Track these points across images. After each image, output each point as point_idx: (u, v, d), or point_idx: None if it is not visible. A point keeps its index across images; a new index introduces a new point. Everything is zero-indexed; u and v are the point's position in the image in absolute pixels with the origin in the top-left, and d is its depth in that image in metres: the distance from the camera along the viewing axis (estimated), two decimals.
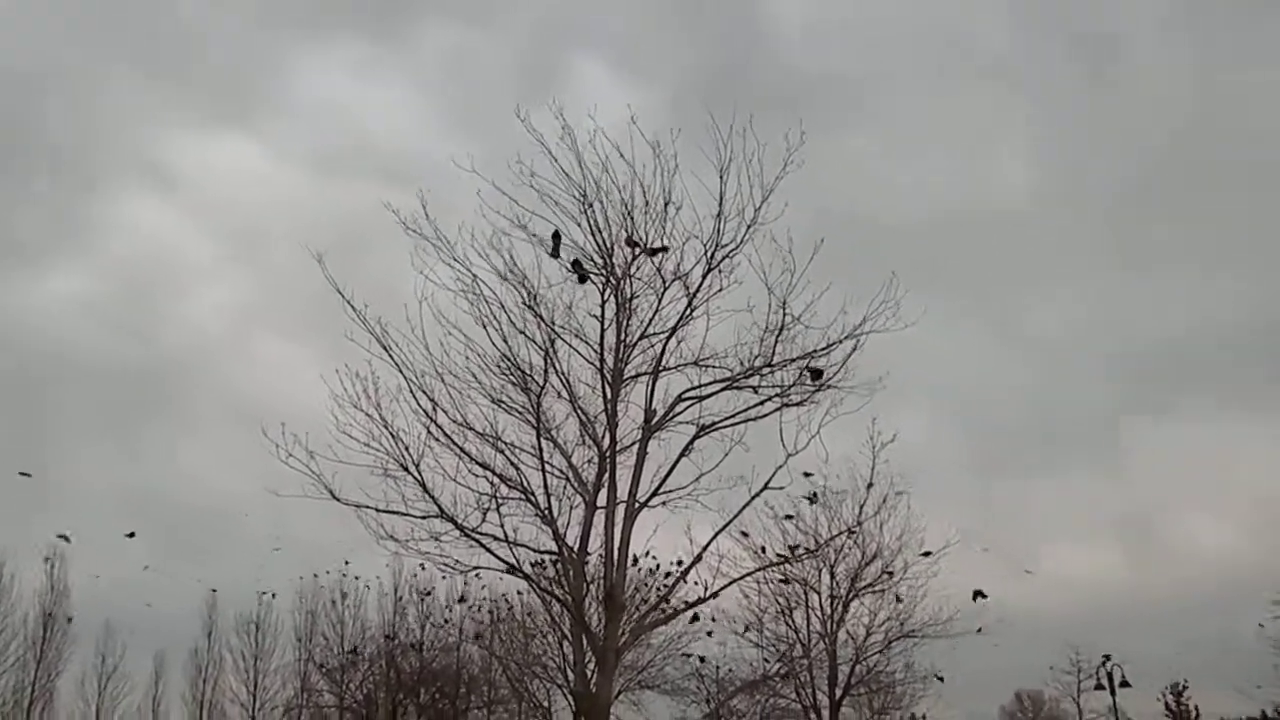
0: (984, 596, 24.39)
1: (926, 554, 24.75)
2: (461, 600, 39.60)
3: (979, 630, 26.05)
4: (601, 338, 13.80)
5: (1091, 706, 46.82)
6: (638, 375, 14.11)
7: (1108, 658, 44.98)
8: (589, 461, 14.01)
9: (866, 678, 28.27)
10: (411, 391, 13.15)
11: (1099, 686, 44.86)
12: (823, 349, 13.56)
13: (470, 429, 13.45)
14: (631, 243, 13.55)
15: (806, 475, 21.78)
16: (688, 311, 13.81)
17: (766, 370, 13.75)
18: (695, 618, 27.88)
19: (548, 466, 13.70)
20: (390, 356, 13.05)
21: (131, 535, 33.83)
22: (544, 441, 13.73)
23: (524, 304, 13.67)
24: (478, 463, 13.38)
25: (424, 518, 12.99)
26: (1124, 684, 45.80)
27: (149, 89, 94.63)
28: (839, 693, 27.20)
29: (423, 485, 12.89)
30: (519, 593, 32.13)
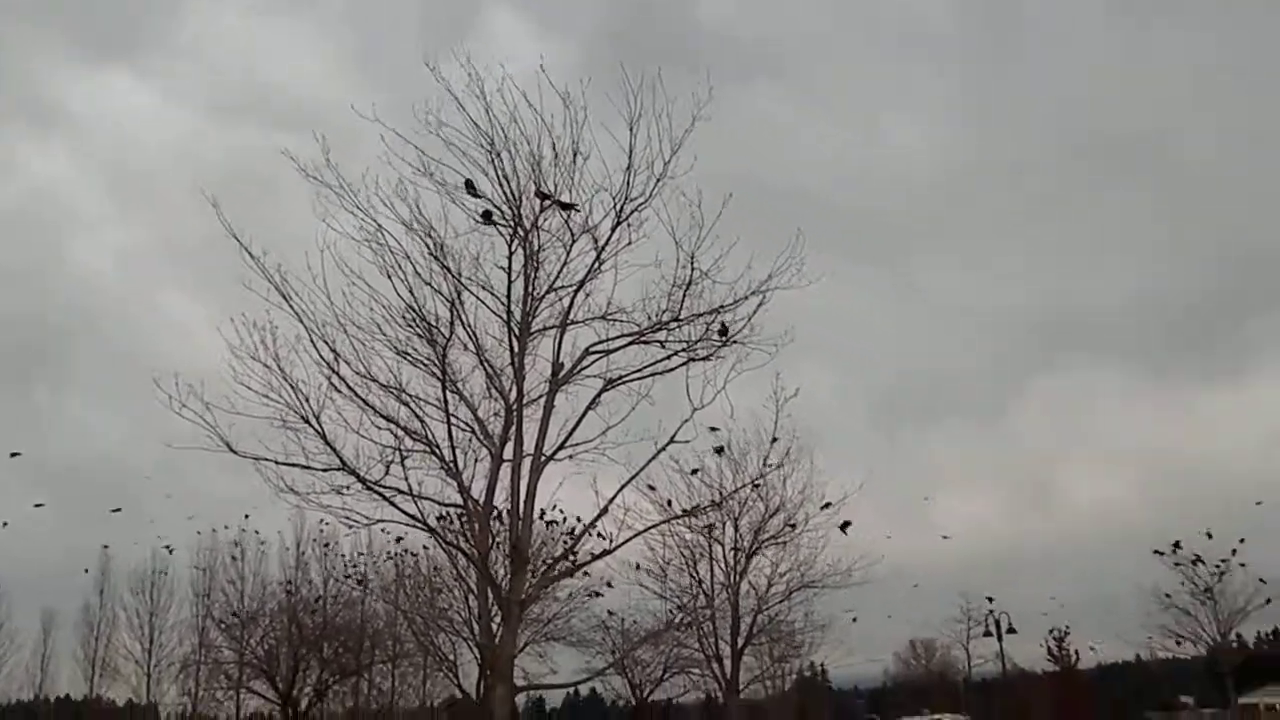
0: (830, 505, 25.02)
1: (827, 505, 25.36)
2: (365, 555, 39.38)
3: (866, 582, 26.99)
4: (509, 290, 13.67)
5: (980, 652, 49.09)
6: (545, 328, 14.03)
7: (990, 599, 46.94)
8: (495, 415, 13.95)
9: (768, 627, 29.04)
10: (312, 342, 12.87)
11: (987, 633, 47.07)
12: (729, 304, 13.67)
13: (374, 381, 13.24)
14: (541, 194, 13.40)
15: (712, 430, 22.13)
16: (596, 265, 13.74)
17: (674, 325, 13.80)
18: (596, 594, 28.39)
19: (453, 419, 13.59)
20: (289, 305, 12.72)
21: (40, 506, 32.95)
22: (450, 394, 13.60)
23: (430, 254, 13.43)
24: (381, 415, 13.21)
25: (326, 470, 12.79)
26: (1010, 630, 48.08)
27: (32, 23, 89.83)
28: (741, 642, 27.88)
29: (324, 437, 12.68)
30: (425, 547, 32.03)
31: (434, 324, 13.57)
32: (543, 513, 22.24)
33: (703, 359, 13.87)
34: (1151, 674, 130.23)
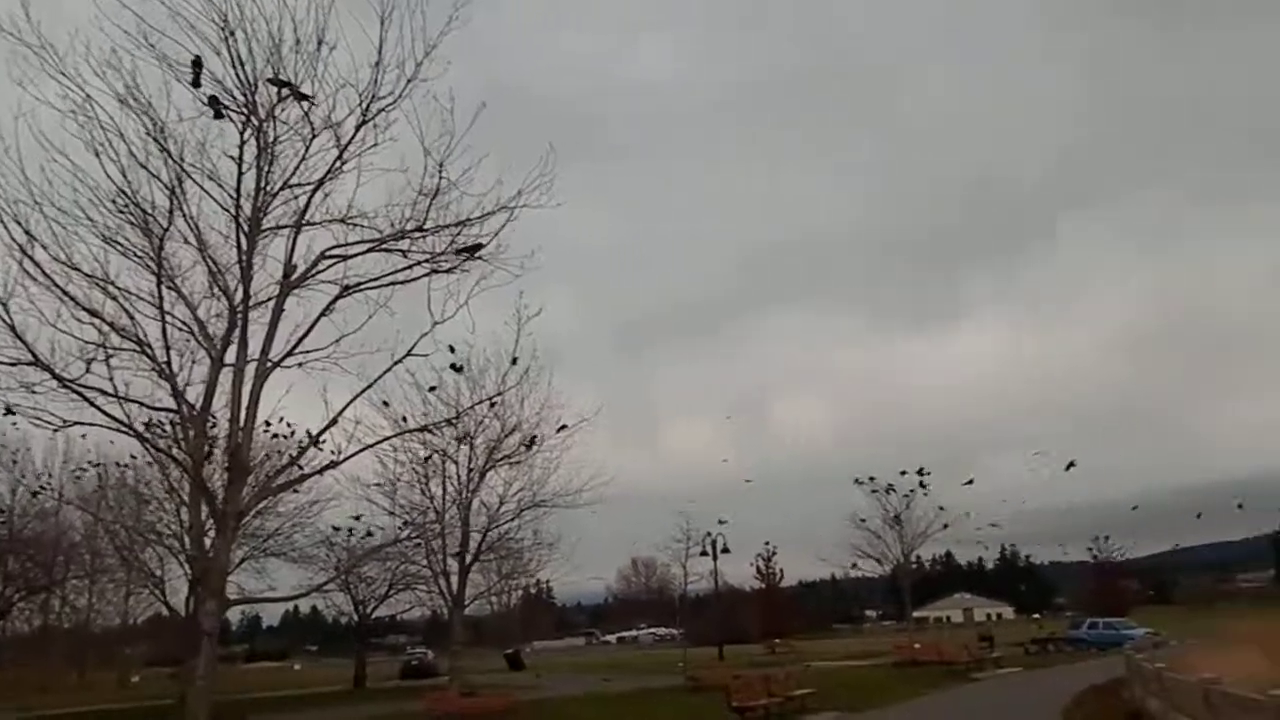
0: (567, 428, 25.71)
1: (563, 428, 25.77)
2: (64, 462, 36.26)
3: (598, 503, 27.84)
4: (239, 182, 12.67)
5: (696, 570, 52.13)
6: (278, 227, 13.16)
7: (722, 521, 50.00)
8: (217, 315, 13.02)
9: (496, 544, 29.31)
10: (1, 221, 11.43)
11: (704, 553, 50.16)
12: (477, 218, 13.34)
13: (76, 269, 11.94)
14: (277, 81, 12.45)
15: (451, 349, 21.88)
16: (337, 164, 12.99)
17: (418, 234, 13.34)
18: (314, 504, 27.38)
19: (169, 318, 12.59)
20: None
21: None
22: (165, 290, 12.56)
23: (148, 135, 12.19)
24: (84, 308, 11.97)
25: (14, 364, 11.50)
26: (724, 550, 51.43)
27: None
28: (469, 559, 28.03)
29: (13, 328, 11.36)
30: (133, 456, 29.91)
31: (150, 212, 12.41)
32: (267, 423, 21.30)
33: (446, 272, 13.53)
34: (843, 591, 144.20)
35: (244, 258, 12.76)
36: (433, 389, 24.57)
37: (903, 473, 48.54)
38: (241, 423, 12.64)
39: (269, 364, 12.81)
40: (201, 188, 12.73)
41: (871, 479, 49.08)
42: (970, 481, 49.13)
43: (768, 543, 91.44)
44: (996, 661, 39.47)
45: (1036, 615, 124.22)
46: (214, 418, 14.12)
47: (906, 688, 29.00)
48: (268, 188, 12.87)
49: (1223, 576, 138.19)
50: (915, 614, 70.19)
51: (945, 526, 48.43)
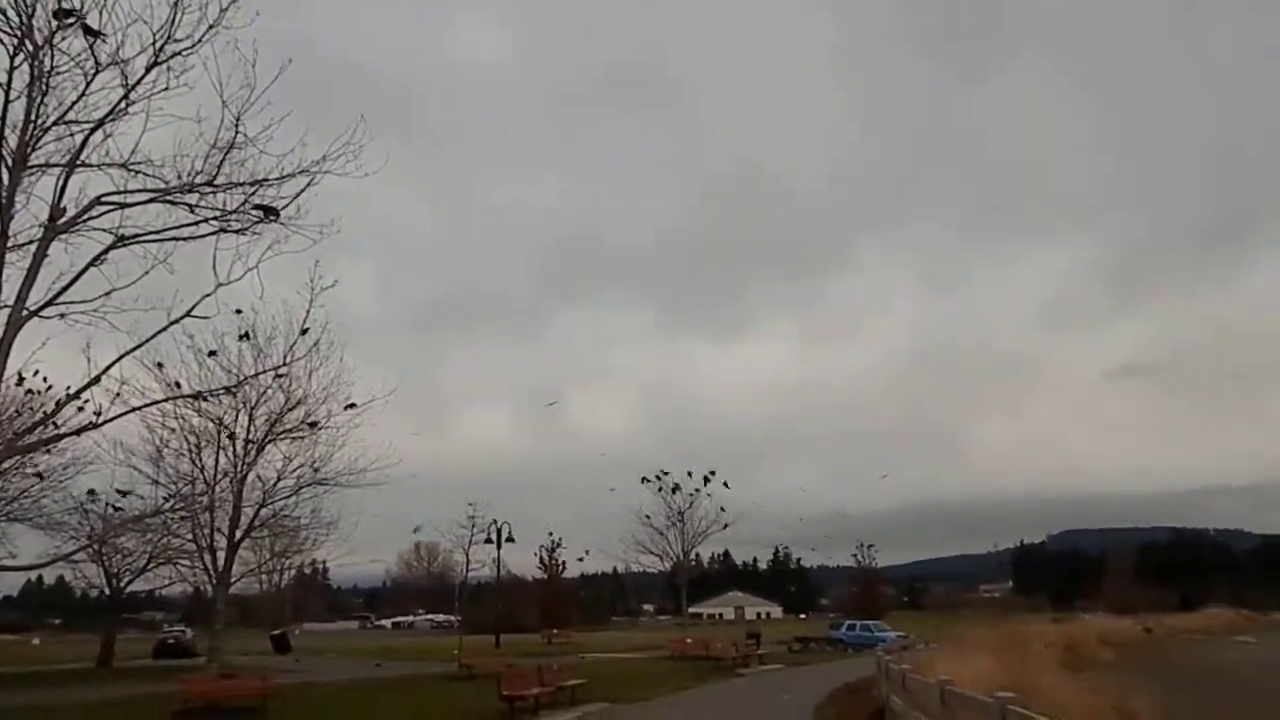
0: (355, 406, 25.07)
1: (351, 406, 24.97)
2: None
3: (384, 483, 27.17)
4: (3, 111, 11.49)
5: (479, 557, 51.83)
6: (48, 165, 12.02)
7: (500, 517, 49.85)
8: None
9: (271, 521, 28.11)
10: None
11: (488, 540, 49.97)
12: (275, 179, 12.64)
13: None
14: (61, 10, 11.41)
15: (238, 312, 20.81)
16: (122, 105, 12.00)
17: (208, 189, 12.51)
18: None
19: None
20: None
21: None
22: None
23: None
24: None
25: None
26: (509, 539, 51.43)
27: None
28: (239, 534, 26.74)
29: None
30: None
31: None
32: (20, 376, 19.56)
33: (236, 231, 12.73)
34: (623, 584, 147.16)
35: (4, 194, 11.58)
36: (212, 354, 23.36)
37: (689, 473, 50.14)
38: None
39: (25, 312, 11.69)
40: None
41: (660, 476, 50.37)
42: (725, 484, 50.71)
43: (551, 533, 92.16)
44: (761, 658, 41.30)
45: (803, 615, 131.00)
46: None
47: (675, 680, 29.88)
48: (39, 120, 11.73)
49: (968, 586, 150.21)
50: (691, 610, 72.42)
51: (725, 526, 50.29)
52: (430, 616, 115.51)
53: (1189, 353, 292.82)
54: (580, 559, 78.02)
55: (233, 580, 28.31)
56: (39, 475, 28.40)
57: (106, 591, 45.48)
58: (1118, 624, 63.25)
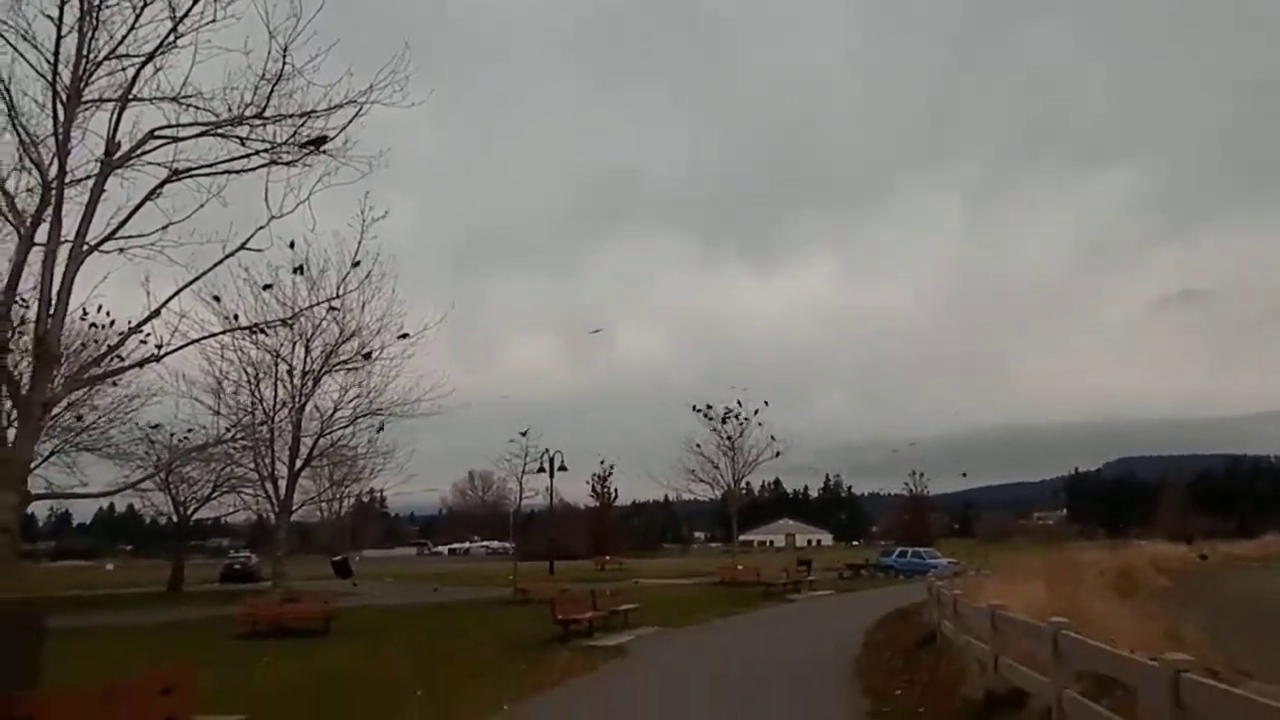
0: (408, 336, 25.35)
1: (404, 336, 25.29)
2: None
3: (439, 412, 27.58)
4: (57, 47, 11.57)
5: (532, 486, 52.65)
6: (101, 100, 12.14)
7: (552, 447, 50.33)
8: (29, 190, 11.98)
9: (329, 451, 28.72)
10: None
11: (541, 469, 50.61)
12: (323, 110, 12.67)
13: None
14: None
15: (291, 245, 21.00)
16: (171, 38, 12.03)
17: (258, 121, 12.56)
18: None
19: None
20: None
21: None
22: None
23: None
24: None
25: None
26: (561, 468, 52.04)
27: None
28: (299, 464, 27.38)
29: None
30: None
31: None
32: (84, 310, 19.99)
33: (287, 164, 12.82)
34: (674, 512, 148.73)
35: (61, 130, 11.73)
36: (268, 287, 23.67)
37: (738, 402, 50.13)
38: (52, 308, 11.77)
39: (85, 247, 11.90)
40: (15, 49, 11.60)
41: (709, 407, 50.45)
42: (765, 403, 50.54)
43: (603, 461, 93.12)
44: (812, 584, 41.63)
45: (855, 542, 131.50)
46: (23, 301, 13.16)
47: (725, 605, 30.29)
48: (91, 55, 11.82)
49: (1020, 514, 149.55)
50: (741, 537, 73.06)
51: (777, 455, 50.42)
52: (486, 544, 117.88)
53: (1243, 277, 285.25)
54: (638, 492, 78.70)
55: (294, 508, 29.09)
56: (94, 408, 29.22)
57: (174, 519, 47.06)
58: (1173, 551, 62.66)
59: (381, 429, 28.57)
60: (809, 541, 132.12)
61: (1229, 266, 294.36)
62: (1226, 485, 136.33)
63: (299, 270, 23.85)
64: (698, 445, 51.00)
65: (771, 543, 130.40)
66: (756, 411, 50.08)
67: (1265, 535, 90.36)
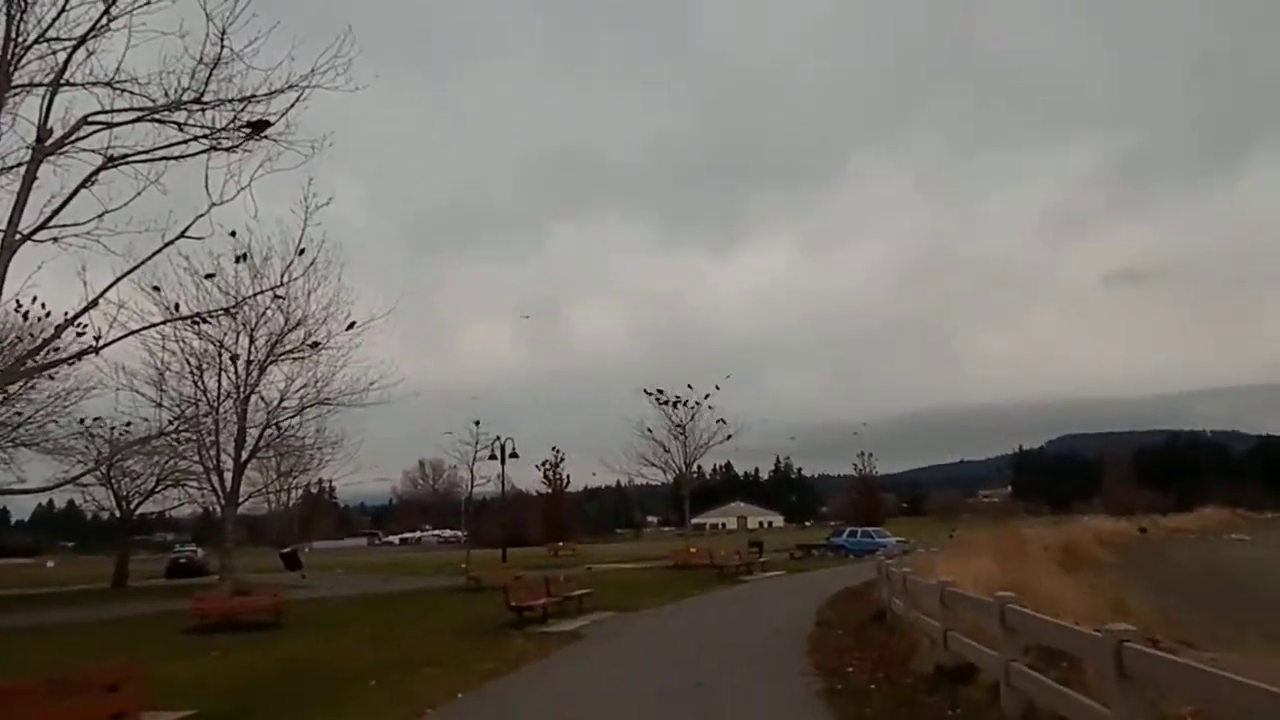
0: (355, 325, 25.06)
1: (351, 325, 24.98)
2: None
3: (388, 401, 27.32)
4: None
5: (483, 473, 52.37)
6: (32, 85, 11.76)
7: (504, 433, 50.14)
8: None
9: (275, 441, 28.33)
10: None
11: (492, 456, 50.41)
12: (263, 95, 12.37)
13: None
14: None
15: (232, 234, 20.57)
16: (103, 21, 11.69)
17: (196, 107, 12.23)
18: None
19: None
20: None
21: None
22: None
23: None
24: None
25: None
26: (513, 455, 51.86)
27: None
28: (245, 455, 26.96)
29: None
30: None
31: None
32: (17, 302, 19.45)
33: (226, 149, 12.49)
34: (626, 497, 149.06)
35: None
36: (209, 276, 23.21)
37: (689, 386, 50.22)
38: None
39: (18, 236, 11.55)
40: None
41: (660, 391, 50.51)
42: (717, 387, 50.45)
43: (555, 448, 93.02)
44: (764, 566, 42.02)
45: (806, 524, 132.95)
46: None
47: (679, 589, 30.46)
48: (19, 39, 11.43)
49: (968, 492, 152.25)
50: (694, 521, 73.44)
51: (728, 438, 50.61)
52: (437, 532, 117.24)
53: (1186, 259, 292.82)
54: (593, 474, 78.79)
55: (241, 500, 28.65)
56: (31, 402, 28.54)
57: (117, 514, 46.10)
58: (1115, 525, 64.33)
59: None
60: (760, 523, 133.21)
61: (1171, 248, 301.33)
62: (1166, 460, 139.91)
63: (241, 258, 23.41)
64: (649, 429, 51.09)
65: (724, 525, 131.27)
66: (707, 396, 50.24)
67: (1203, 508, 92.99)
